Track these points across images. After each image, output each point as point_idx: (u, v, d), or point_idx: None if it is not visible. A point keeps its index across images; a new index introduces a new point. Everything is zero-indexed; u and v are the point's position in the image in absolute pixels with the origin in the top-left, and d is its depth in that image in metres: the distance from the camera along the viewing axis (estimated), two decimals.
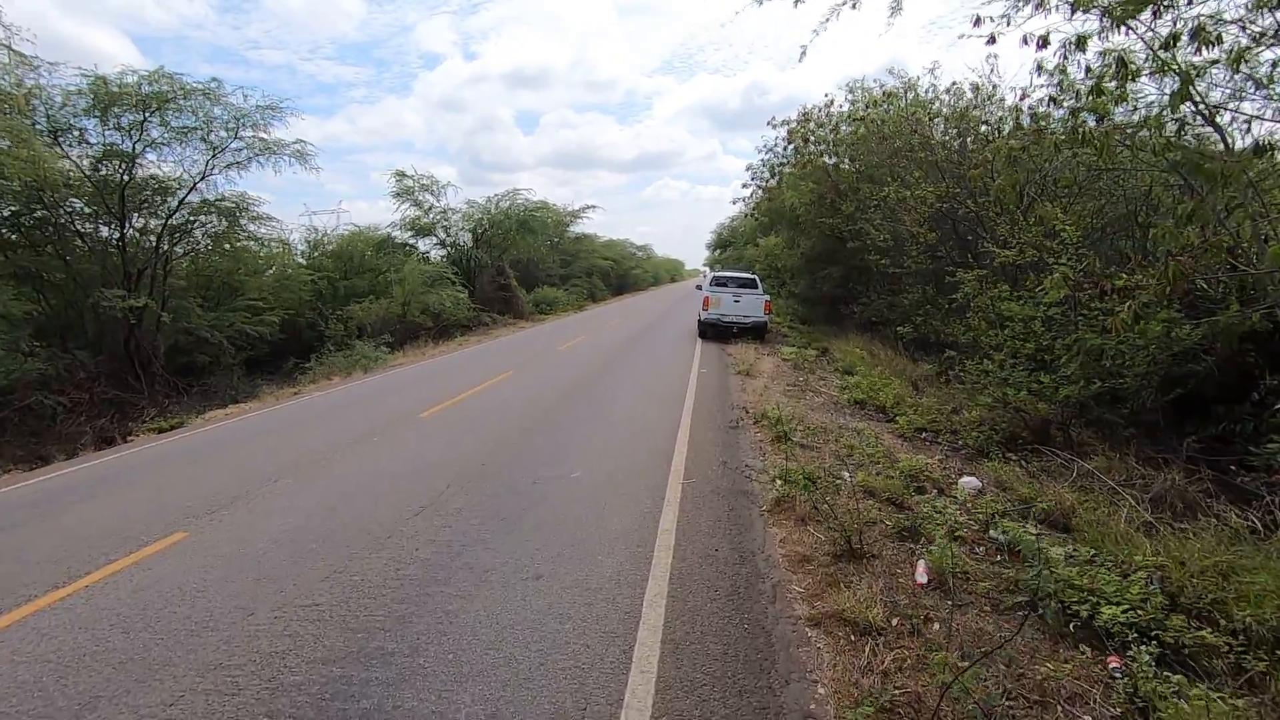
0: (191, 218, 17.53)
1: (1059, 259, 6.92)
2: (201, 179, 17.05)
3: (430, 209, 29.30)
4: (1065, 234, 7.00)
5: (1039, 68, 7.26)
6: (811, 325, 20.78)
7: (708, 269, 72.05)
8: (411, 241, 29.74)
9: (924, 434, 7.81)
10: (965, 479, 5.76)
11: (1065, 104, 7.23)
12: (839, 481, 5.13)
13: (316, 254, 25.94)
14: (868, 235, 13.30)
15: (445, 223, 29.92)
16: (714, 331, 16.97)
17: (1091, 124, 5.77)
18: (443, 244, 30.55)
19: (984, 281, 8.65)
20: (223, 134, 16.95)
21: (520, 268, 37.15)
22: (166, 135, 16.07)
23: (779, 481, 5.15)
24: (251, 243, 21.18)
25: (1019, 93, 8.52)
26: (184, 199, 16.85)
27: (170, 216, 16.77)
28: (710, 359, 13.43)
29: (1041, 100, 7.82)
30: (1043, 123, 8.81)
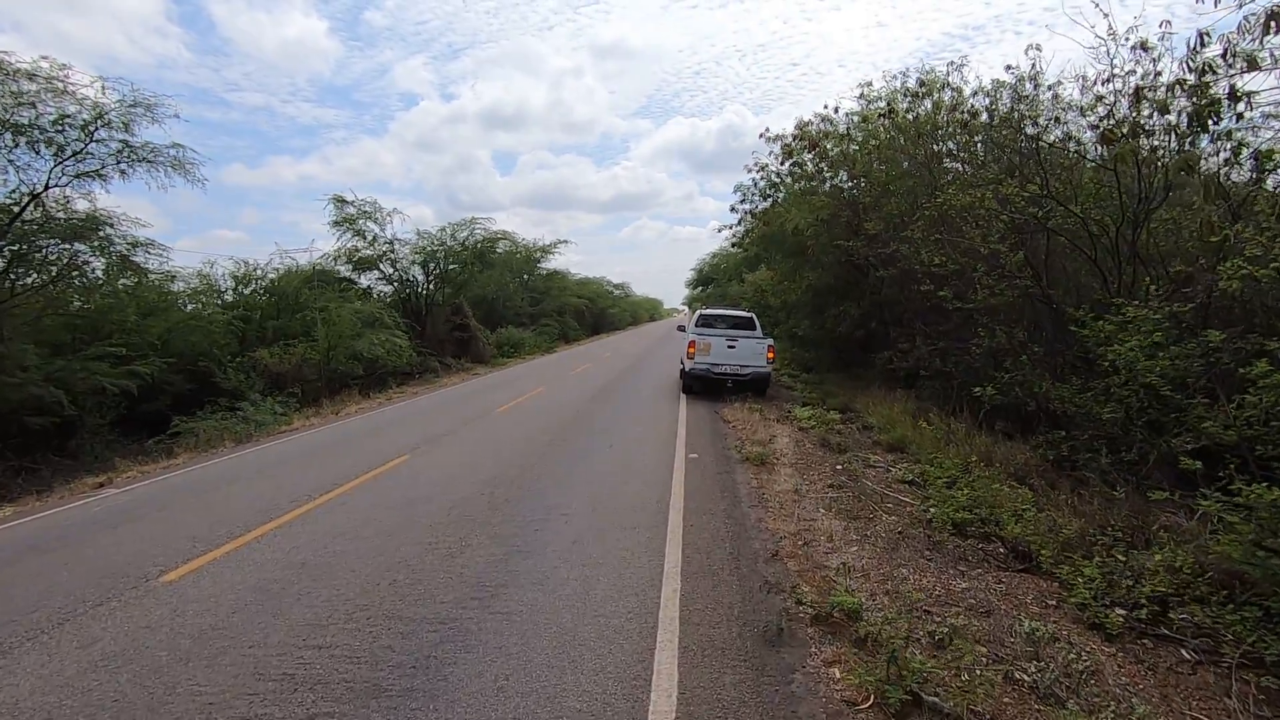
0: (32, 242, 13.64)
1: None
2: (45, 190, 13.31)
3: (375, 239, 25.40)
4: None
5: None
6: (818, 373, 17.19)
7: (686, 307, 68.84)
8: (353, 276, 25.82)
9: (1119, 608, 4.09)
10: None
11: None
12: None
13: (249, 291, 21.94)
14: (915, 260, 9.79)
15: (392, 255, 26.00)
16: (702, 385, 13.26)
17: None
18: (389, 279, 26.66)
19: (1181, 324, 5.06)
20: (75, 134, 13.31)
21: (484, 306, 33.39)
22: None
23: None
24: (141, 277, 17.24)
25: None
26: (18, 215, 13.03)
27: None
28: (700, 430, 9.66)
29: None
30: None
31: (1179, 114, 5.89)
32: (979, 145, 11.61)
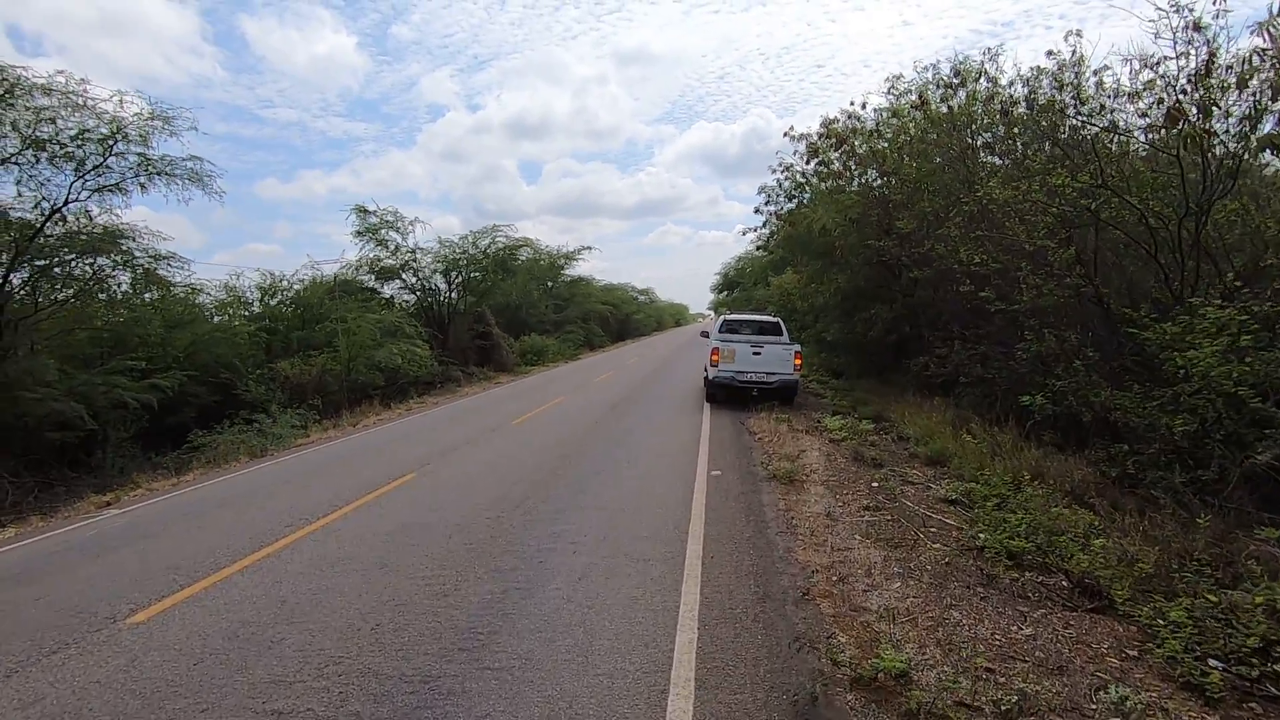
0: (54, 257, 13.70)
1: None
2: (65, 204, 13.34)
3: (397, 249, 25.33)
4: None
5: None
6: (848, 380, 16.51)
7: (711, 312, 68.04)
8: (376, 286, 25.78)
9: (1213, 659, 3.48)
10: None
11: None
12: None
13: (275, 302, 22.02)
14: (952, 259, 9.15)
15: (414, 264, 25.91)
16: (726, 394, 12.72)
17: None
18: (411, 288, 26.57)
19: (1272, 325, 4.41)
20: (94, 149, 13.32)
21: (508, 313, 33.22)
22: (17, 146, 12.46)
23: None
24: (166, 290, 17.25)
25: None
26: (40, 230, 13.07)
27: (18, 254, 12.94)
28: (724, 443, 9.13)
29: None
30: None
31: (1260, 89, 5.23)
32: (1018, 136, 10.93)
